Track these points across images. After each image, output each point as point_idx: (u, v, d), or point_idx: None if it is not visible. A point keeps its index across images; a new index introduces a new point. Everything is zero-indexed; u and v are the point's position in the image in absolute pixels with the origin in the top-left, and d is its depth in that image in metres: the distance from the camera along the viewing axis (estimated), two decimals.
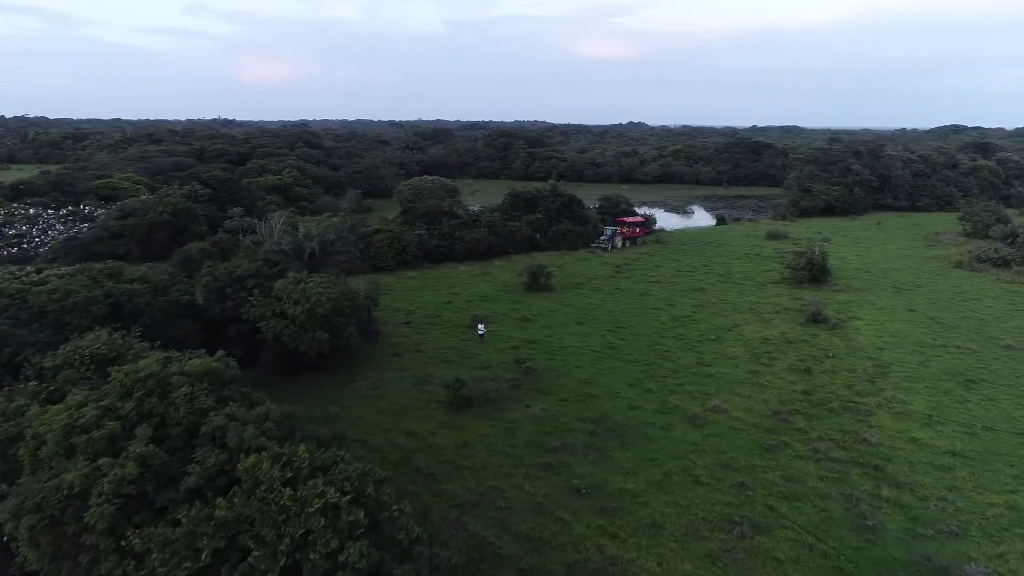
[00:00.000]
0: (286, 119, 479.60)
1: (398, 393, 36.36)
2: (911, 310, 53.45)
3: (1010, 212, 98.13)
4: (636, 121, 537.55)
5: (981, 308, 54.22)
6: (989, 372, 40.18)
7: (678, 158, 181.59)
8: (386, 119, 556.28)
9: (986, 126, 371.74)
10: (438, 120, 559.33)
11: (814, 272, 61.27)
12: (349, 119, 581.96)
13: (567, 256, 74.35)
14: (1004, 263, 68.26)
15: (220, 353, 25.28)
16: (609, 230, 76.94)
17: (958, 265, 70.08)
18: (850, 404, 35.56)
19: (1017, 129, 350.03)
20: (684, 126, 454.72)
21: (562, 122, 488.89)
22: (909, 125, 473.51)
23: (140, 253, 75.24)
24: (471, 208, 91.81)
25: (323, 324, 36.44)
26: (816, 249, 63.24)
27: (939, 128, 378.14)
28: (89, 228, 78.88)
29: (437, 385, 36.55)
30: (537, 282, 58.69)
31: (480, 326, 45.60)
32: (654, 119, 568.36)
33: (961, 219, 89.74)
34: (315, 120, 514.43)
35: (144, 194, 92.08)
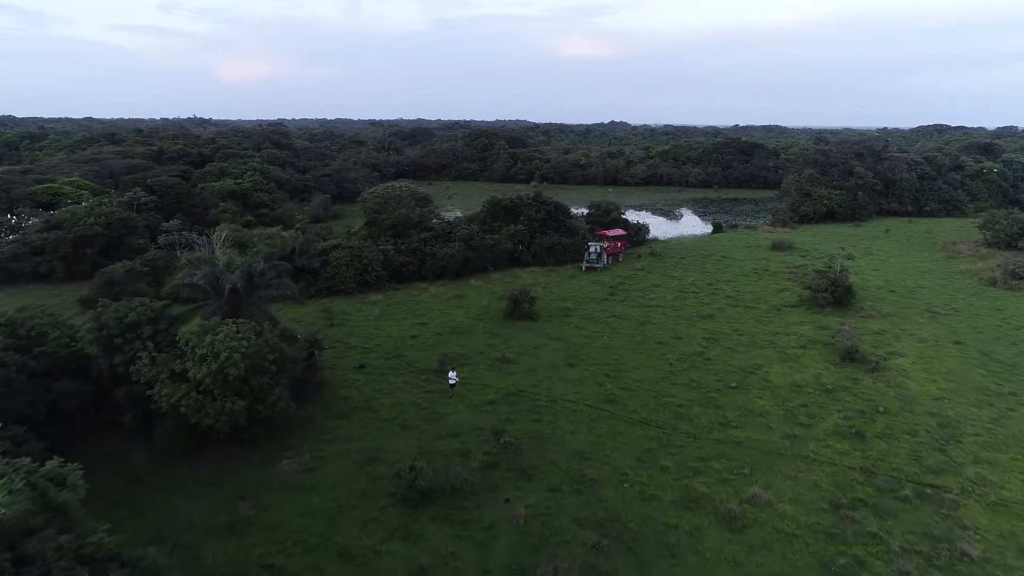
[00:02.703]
0: (264, 118, 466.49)
1: (337, 480, 27.57)
2: (958, 343, 45.55)
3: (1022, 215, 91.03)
4: (618, 121, 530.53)
5: None
6: None
7: (666, 159, 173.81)
8: (366, 118, 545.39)
9: (968, 125, 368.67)
10: (419, 119, 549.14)
11: (838, 295, 53.24)
12: (328, 118, 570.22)
13: (553, 273, 65.78)
14: None
15: (57, 462, 17.47)
16: (596, 245, 68.10)
17: (992, 283, 62.46)
18: (926, 489, 27.36)
19: (1000, 128, 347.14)
20: (666, 125, 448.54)
21: (544, 121, 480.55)
22: (891, 124, 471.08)
23: (65, 272, 65.62)
24: (446, 216, 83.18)
25: (237, 388, 27.62)
26: (838, 268, 55.28)
27: (922, 127, 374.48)
28: (9, 242, 69.10)
29: (390, 465, 27.91)
30: (519, 308, 50.10)
31: (452, 374, 36.89)
32: (636, 119, 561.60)
33: (981, 227, 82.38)
34: (293, 119, 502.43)
35: (87, 200, 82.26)
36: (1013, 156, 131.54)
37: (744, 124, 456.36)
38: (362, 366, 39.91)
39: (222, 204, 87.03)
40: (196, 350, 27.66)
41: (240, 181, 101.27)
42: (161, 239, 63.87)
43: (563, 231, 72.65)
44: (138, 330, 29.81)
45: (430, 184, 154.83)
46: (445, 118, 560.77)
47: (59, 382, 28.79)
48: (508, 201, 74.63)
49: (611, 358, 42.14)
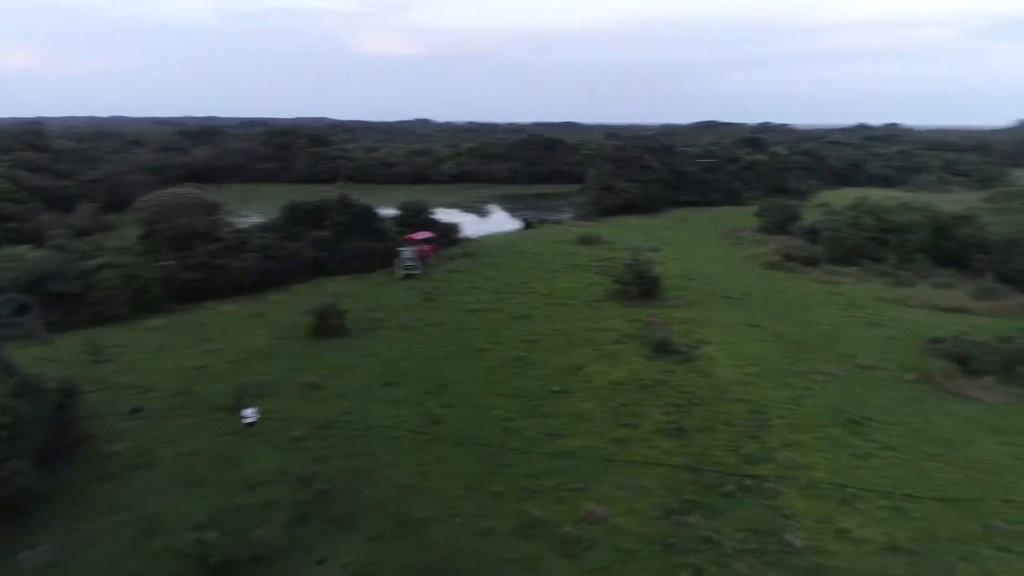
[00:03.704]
0: (18, 116, 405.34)
1: (104, 567, 22.26)
2: (754, 326, 48.42)
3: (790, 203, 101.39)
4: (423, 118, 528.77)
5: (816, 317, 50.79)
6: (866, 406, 34.88)
7: (473, 156, 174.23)
8: (148, 116, 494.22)
9: (734, 121, 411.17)
10: (209, 117, 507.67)
11: (645, 287, 54.83)
12: (101, 116, 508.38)
13: (364, 281, 61.79)
14: (813, 261, 67.38)
15: None
16: (409, 250, 64.81)
17: (772, 266, 68.20)
18: (747, 481, 27.72)
19: (760, 124, 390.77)
20: (471, 123, 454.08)
21: (347, 119, 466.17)
22: (671, 121, 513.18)
23: None
24: (242, 223, 75.69)
25: None
26: (643, 260, 56.98)
27: (698, 123, 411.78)
28: None
29: (176, 534, 23.10)
30: (328, 324, 45.81)
31: (248, 412, 32.09)
32: (440, 115, 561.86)
33: (757, 214, 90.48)
34: (57, 117, 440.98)
35: None
36: (776, 149, 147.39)
37: (544, 121, 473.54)
38: (137, 410, 33.70)
39: None
40: None
41: None
42: None
43: (372, 235, 68.71)
44: None
45: (223, 188, 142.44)
46: (239, 116, 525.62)
47: None
48: (310, 205, 69.20)
49: (431, 372, 39.47)
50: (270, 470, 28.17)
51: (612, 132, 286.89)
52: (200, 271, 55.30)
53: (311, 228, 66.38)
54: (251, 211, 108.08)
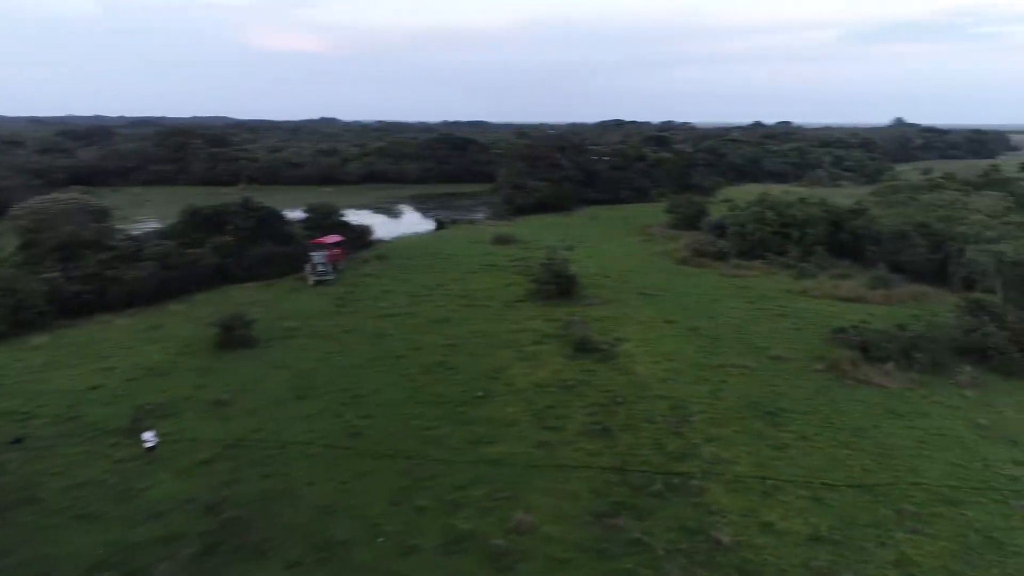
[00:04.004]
0: None
1: None
2: (669, 321, 49.21)
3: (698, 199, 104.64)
4: (329, 116, 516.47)
5: (727, 311, 52.13)
6: (780, 397, 35.89)
7: (382, 156, 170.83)
8: (25, 115, 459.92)
9: (639, 120, 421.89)
10: (96, 116, 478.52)
11: (562, 286, 54.85)
12: None
13: (272, 288, 58.97)
14: (722, 256, 69.41)
15: None
16: (319, 255, 61.93)
17: (683, 262, 69.81)
18: (673, 479, 27.80)
19: (663, 123, 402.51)
20: (379, 121, 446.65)
21: (248, 118, 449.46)
22: (578, 120, 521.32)
23: None
24: (136, 230, 71.06)
25: None
26: (559, 259, 56.96)
27: (604, 122, 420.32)
28: None
29: None
30: (234, 336, 43.25)
31: (148, 435, 29.62)
32: (347, 114, 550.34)
33: (667, 211, 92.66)
34: None
35: None
36: (681, 147, 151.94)
37: (452, 120, 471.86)
38: (18, 440, 30.55)
39: None
40: None
41: None
42: None
43: (279, 239, 65.72)
44: None
45: (115, 191, 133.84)
46: (130, 115, 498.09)
47: None
48: (210, 209, 65.54)
49: (348, 381, 37.84)
50: (173, 498, 26.04)
51: (521, 131, 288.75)
52: (90, 282, 51.17)
53: (213, 233, 62.84)
54: (147, 216, 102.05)
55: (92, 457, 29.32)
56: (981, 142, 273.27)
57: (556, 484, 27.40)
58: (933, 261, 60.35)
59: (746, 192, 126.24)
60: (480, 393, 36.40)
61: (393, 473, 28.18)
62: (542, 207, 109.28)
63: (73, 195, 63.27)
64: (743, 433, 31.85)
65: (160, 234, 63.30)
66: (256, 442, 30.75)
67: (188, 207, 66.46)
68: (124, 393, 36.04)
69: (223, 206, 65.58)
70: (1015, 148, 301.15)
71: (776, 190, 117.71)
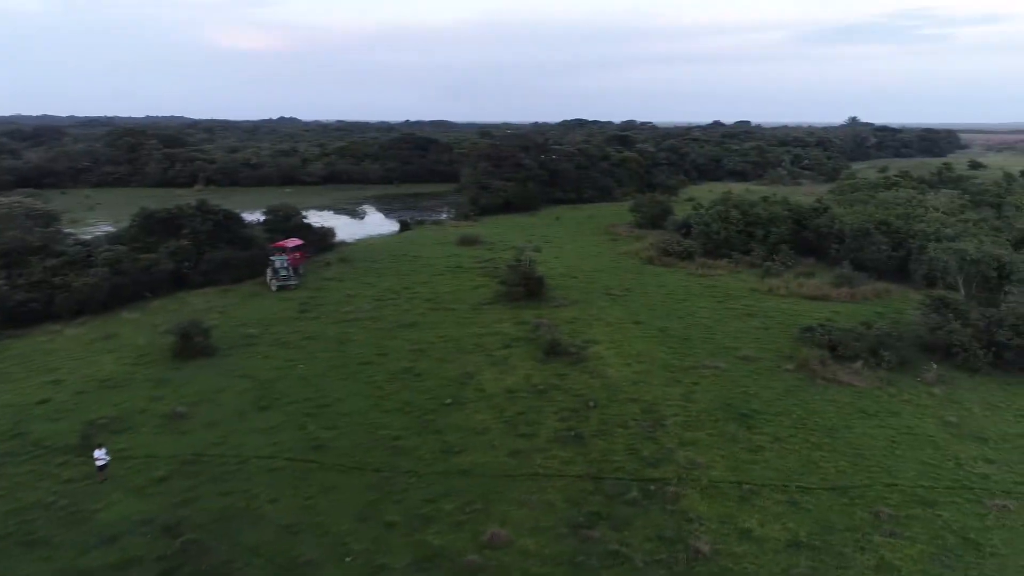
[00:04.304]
0: None
1: None
2: (638, 322, 48.88)
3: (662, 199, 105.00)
4: (288, 116, 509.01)
5: (696, 310, 52.03)
6: (752, 398, 35.72)
7: (344, 156, 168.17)
8: None
9: (600, 119, 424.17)
10: (45, 116, 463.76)
11: (531, 287, 54.17)
12: None
13: (231, 293, 57.09)
14: (688, 255, 69.50)
15: None
16: (281, 259, 59.88)
17: (650, 261, 69.72)
18: (649, 486, 27.27)
19: (624, 122, 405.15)
20: (340, 121, 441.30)
21: (205, 117, 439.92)
22: (541, 119, 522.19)
23: None
24: (87, 234, 68.38)
25: None
26: (527, 260, 56.25)
27: (566, 121, 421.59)
28: None
29: None
30: (191, 344, 41.54)
31: (99, 452, 27.99)
32: (307, 114, 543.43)
33: (632, 210, 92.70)
34: None
35: None
36: (644, 146, 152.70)
37: (415, 119, 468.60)
38: None
39: None
40: None
41: None
42: None
43: (237, 242, 63.78)
44: None
45: (66, 194, 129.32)
46: (81, 114, 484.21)
47: None
48: (165, 212, 63.29)
49: (311, 391, 36.56)
50: (127, 520, 24.60)
51: (484, 130, 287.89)
52: (36, 290, 48.83)
53: (168, 237, 60.68)
54: (99, 219, 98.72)
55: (39, 477, 27.63)
56: (932, 140, 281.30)
57: (530, 494, 26.65)
58: (895, 258, 61.18)
59: (708, 191, 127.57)
60: (449, 400, 35.48)
61: (360, 487, 27.11)
62: (507, 207, 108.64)
63: (18, 198, 60.46)
64: (717, 436, 31.52)
65: (112, 238, 60.85)
66: (215, 457, 29.37)
67: (142, 210, 64.10)
68: (74, 407, 34.23)
69: (178, 209, 63.40)
70: (964, 146, 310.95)
71: (738, 189, 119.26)
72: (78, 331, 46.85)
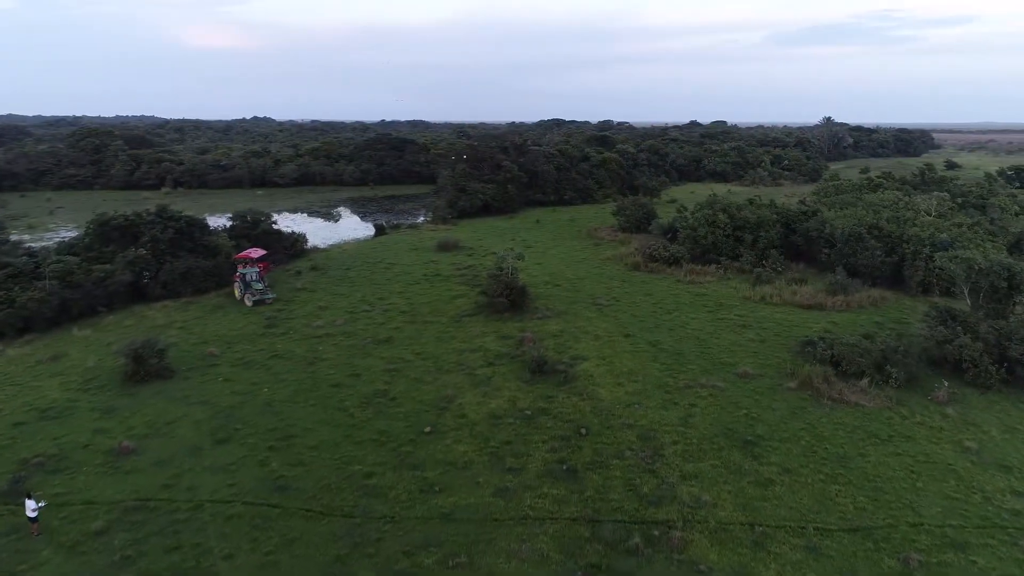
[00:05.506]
0: None
1: None
2: (627, 335, 46.14)
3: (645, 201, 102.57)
4: (262, 116, 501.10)
5: (687, 322, 49.44)
6: (756, 422, 33.12)
7: (317, 157, 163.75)
8: None
9: (578, 119, 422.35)
10: (9, 115, 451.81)
11: (513, 298, 51.23)
12: None
13: (193, 306, 53.39)
14: (675, 261, 67.03)
15: None
16: (252, 272, 55.82)
17: (636, 267, 67.10)
18: (652, 530, 24.50)
19: (601, 122, 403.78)
20: (314, 121, 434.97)
21: (176, 117, 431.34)
22: (517, 119, 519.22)
23: None
24: (47, 241, 64.17)
25: None
26: (509, 269, 53.30)
27: (543, 121, 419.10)
28: None
29: None
30: (144, 366, 37.98)
31: (31, 502, 24.51)
32: (281, 114, 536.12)
33: (615, 214, 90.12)
34: None
35: None
36: (624, 147, 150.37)
37: (390, 119, 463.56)
38: None
39: None
40: None
41: None
42: None
43: (200, 251, 59.98)
44: None
45: (23, 197, 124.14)
46: (46, 114, 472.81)
47: None
48: (123, 219, 59.37)
49: (276, 420, 33.28)
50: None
51: (461, 131, 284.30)
52: None
53: (126, 246, 56.82)
54: (59, 224, 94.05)
55: None
56: (908, 140, 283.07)
57: (519, 543, 23.73)
58: (888, 264, 59.18)
59: (690, 192, 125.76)
60: (428, 428, 32.45)
61: (327, 537, 24.00)
62: (486, 209, 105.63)
63: None
64: (722, 467, 28.86)
65: (64, 248, 56.82)
66: (164, 502, 26.06)
67: (97, 216, 60.13)
68: (8, 443, 30.66)
69: (136, 215, 59.51)
70: (938, 146, 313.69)
71: (719, 190, 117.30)
72: (21, 351, 43.02)
